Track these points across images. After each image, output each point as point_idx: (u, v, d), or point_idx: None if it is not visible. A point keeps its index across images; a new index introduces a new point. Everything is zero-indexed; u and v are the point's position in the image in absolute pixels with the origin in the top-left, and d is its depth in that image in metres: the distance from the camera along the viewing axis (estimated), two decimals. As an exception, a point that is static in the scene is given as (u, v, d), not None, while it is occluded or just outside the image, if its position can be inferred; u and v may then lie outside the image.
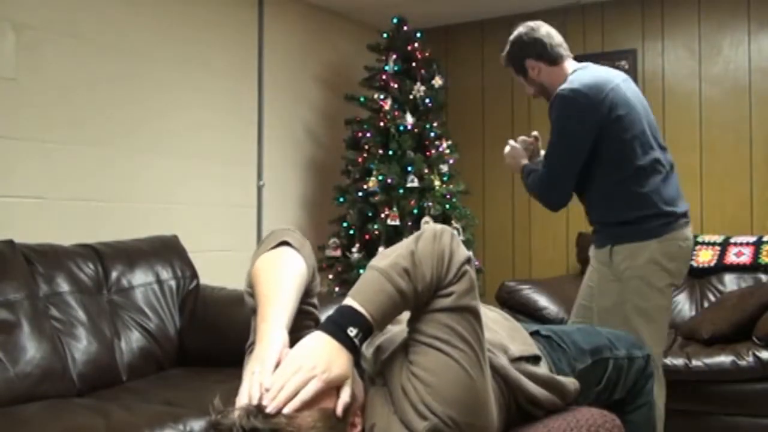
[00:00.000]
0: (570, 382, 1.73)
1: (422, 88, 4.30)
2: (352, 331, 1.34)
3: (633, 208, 2.53)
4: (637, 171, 2.50)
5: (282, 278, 1.46)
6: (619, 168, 2.52)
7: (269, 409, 1.24)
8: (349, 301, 1.38)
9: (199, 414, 2.30)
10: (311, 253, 1.58)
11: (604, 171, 2.54)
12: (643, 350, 2.04)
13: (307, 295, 1.54)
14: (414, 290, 1.39)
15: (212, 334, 3.01)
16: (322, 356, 1.30)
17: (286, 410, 1.24)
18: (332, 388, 1.31)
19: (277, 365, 1.30)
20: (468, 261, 1.44)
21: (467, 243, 4.17)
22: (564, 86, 2.53)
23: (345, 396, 1.32)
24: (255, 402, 1.25)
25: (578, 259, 4.53)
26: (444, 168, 4.31)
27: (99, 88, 3.33)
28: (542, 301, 3.80)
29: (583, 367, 1.84)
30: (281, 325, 1.38)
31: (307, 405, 1.26)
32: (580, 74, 2.58)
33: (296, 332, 1.41)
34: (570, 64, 2.68)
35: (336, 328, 1.34)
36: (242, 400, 1.27)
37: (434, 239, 1.43)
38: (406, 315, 1.48)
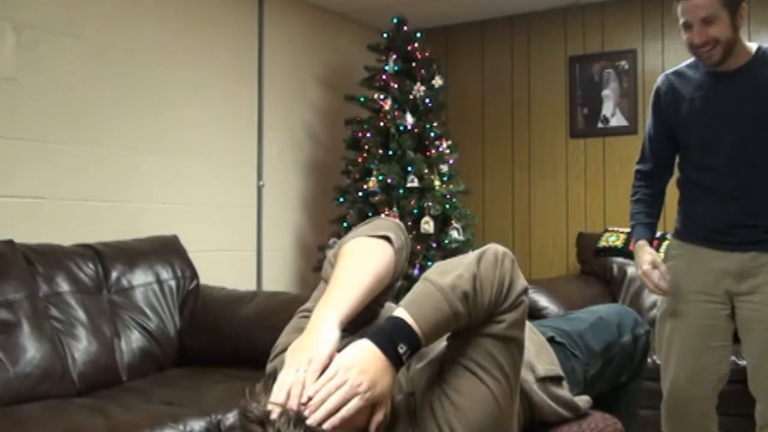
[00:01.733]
0: (585, 401, 1.75)
1: (422, 88, 4.30)
2: (402, 348, 1.29)
3: None
4: None
5: (362, 270, 1.41)
6: None
7: (309, 422, 1.20)
8: (402, 313, 1.32)
9: (199, 414, 2.31)
10: (405, 259, 1.53)
11: None
12: (644, 326, 2.07)
13: (379, 297, 1.49)
14: (469, 316, 1.34)
15: (212, 334, 3.01)
16: (369, 373, 1.25)
17: (325, 426, 1.21)
18: (369, 406, 1.27)
19: (324, 369, 1.26)
20: (525, 291, 1.41)
21: (467, 243, 4.17)
22: None
23: (380, 416, 1.29)
24: (295, 408, 1.22)
25: (578, 259, 4.53)
26: (444, 168, 4.31)
27: (99, 87, 3.33)
28: (542, 301, 3.80)
29: (595, 371, 1.87)
30: (338, 318, 1.33)
31: (345, 422, 1.23)
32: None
33: (349, 327, 1.37)
34: None
35: (387, 342, 1.29)
36: (280, 395, 1.24)
37: (496, 264, 1.38)
38: None
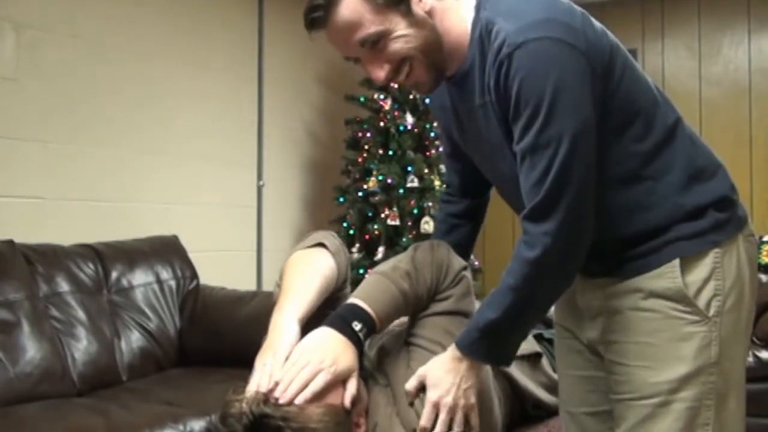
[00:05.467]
0: None
1: (422, 88, 4.29)
2: (357, 326, 1.37)
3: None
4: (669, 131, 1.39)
5: (306, 274, 1.49)
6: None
7: (282, 401, 1.28)
8: (353, 299, 1.42)
9: (199, 414, 2.31)
10: (346, 261, 1.60)
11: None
12: None
13: (333, 299, 1.56)
14: (415, 292, 1.43)
15: (212, 334, 3.01)
16: (329, 350, 1.34)
17: (297, 401, 1.28)
18: (339, 383, 1.34)
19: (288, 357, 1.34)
20: (465, 268, 1.49)
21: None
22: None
23: (351, 388, 1.35)
24: (264, 390, 1.30)
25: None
26: (444, 168, 4.30)
27: (99, 88, 3.33)
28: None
29: None
30: (295, 317, 1.41)
31: (316, 398, 1.30)
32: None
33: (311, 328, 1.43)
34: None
35: (341, 323, 1.38)
36: (251, 390, 1.32)
37: (432, 248, 1.49)
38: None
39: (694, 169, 1.31)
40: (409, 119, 4.24)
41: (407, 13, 1.27)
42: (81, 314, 2.73)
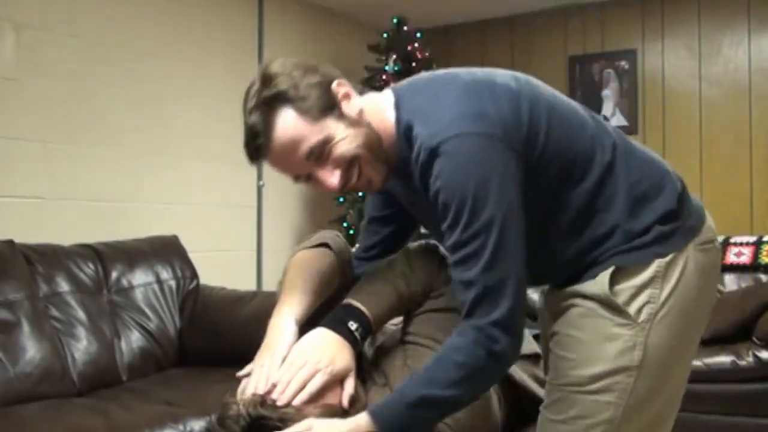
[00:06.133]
0: None
1: (422, 88, 4.29)
2: (352, 325, 1.38)
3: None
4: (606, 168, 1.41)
5: (306, 275, 1.49)
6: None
7: (279, 403, 1.29)
8: (348, 300, 1.42)
9: (199, 414, 2.31)
10: (350, 260, 1.60)
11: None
12: None
13: (336, 299, 1.55)
14: (410, 291, 1.44)
15: (212, 334, 3.01)
16: (326, 350, 1.34)
17: (294, 403, 1.29)
18: (337, 383, 1.35)
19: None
20: None
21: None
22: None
23: (349, 388, 1.36)
24: (261, 392, 1.30)
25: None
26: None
27: (99, 88, 3.33)
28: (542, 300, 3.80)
29: None
30: (292, 318, 1.42)
31: (314, 399, 1.30)
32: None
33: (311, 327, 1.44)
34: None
35: (337, 323, 1.39)
36: (249, 391, 1.32)
37: (425, 249, 1.49)
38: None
39: (637, 194, 1.34)
40: (409, 119, 4.24)
41: (341, 116, 1.30)
42: (81, 314, 2.73)
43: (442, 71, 1.39)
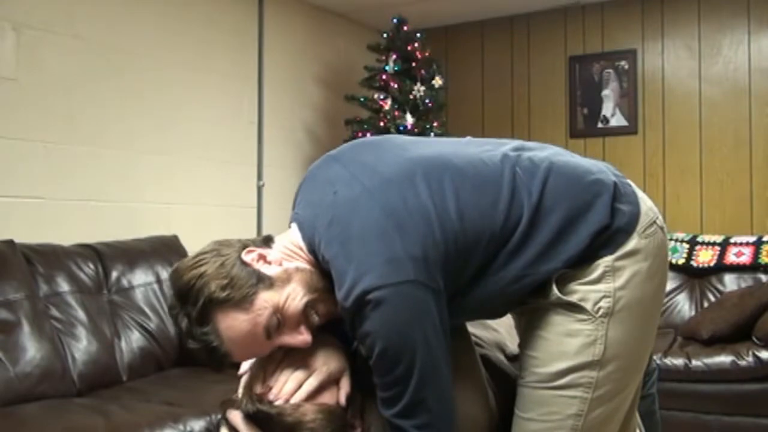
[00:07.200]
0: None
1: (422, 88, 4.30)
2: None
3: None
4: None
5: None
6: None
7: (277, 403, 1.31)
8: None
9: (199, 414, 2.31)
10: None
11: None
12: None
13: None
14: None
15: (212, 334, 3.00)
16: (320, 350, 1.37)
17: (292, 401, 1.31)
18: (333, 382, 1.36)
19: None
20: None
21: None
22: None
23: (345, 386, 1.38)
24: (259, 392, 1.33)
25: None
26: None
27: (99, 87, 3.33)
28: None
29: None
30: None
31: (311, 398, 1.32)
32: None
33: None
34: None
35: (330, 323, 1.39)
36: (246, 392, 1.35)
37: None
38: None
39: (564, 227, 1.33)
40: (409, 119, 4.24)
41: (271, 282, 1.30)
42: (81, 314, 2.73)
43: (343, 174, 1.40)
